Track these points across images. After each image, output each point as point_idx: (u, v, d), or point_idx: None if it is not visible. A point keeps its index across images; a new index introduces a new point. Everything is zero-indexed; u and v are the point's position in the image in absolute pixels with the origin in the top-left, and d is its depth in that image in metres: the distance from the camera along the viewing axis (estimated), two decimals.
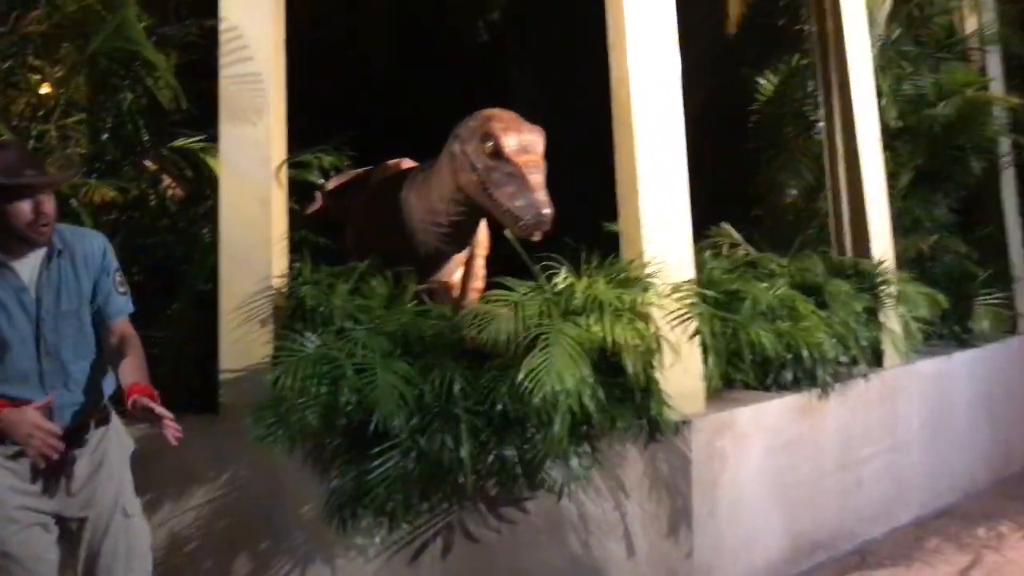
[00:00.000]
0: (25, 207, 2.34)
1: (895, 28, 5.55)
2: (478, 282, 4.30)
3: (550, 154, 3.51)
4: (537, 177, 3.35)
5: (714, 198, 4.31)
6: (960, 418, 4.92)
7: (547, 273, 3.36)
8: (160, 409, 2.33)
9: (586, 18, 3.82)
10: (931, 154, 5.45)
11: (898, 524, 4.41)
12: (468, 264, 4.32)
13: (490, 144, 3.40)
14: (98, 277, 2.54)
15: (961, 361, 4.95)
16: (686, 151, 3.61)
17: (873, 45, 5.03)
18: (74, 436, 2.47)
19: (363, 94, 6.32)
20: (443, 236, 3.86)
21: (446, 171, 3.65)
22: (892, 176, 5.16)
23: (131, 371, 2.45)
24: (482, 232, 4.17)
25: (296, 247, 3.54)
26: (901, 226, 5.25)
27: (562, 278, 3.35)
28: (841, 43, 4.66)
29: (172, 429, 2.32)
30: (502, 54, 6.68)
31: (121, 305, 2.58)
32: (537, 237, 3.30)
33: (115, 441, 2.61)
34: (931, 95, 5.47)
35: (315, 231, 3.94)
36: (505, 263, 3.61)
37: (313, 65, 4.42)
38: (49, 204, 2.38)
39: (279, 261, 3.35)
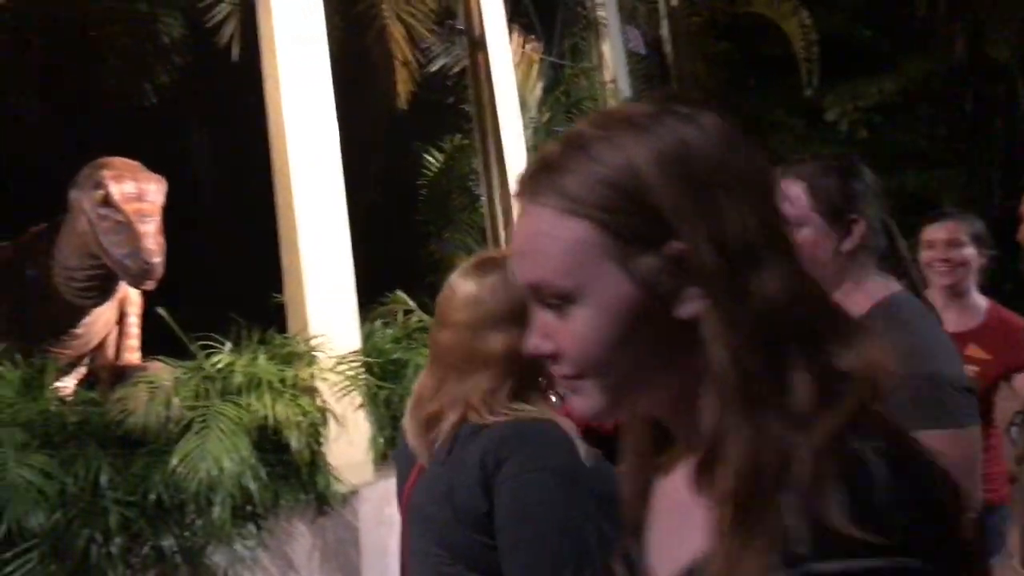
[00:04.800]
0: None
1: (546, 112, 6.16)
2: (132, 340, 4.08)
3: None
4: (146, 226, 3.26)
5: (390, 265, 4.45)
6: None
7: (207, 352, 3.29)
8: None
9: (258, 86, 3.83)
10: None
11: None
12: (120, 323, 4.09)
13: (100, 192, 3.30)
14: None
15: None
16: (362, 219, 3.73)
17: (527, 126, 5.54)
18: None
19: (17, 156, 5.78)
20: (80, 291, 3.66)
21: (70, 222, 3.52)
22: None
23: None
24: (133, 290, 4.00)
25: None
26: None
27: (223, 355, 3.29)
28: (496, 123, 5.08)
29: None
30: (175, 119, 6.46)
31: None
32: (149, 286, 3.29)
33: None
34: None
35: None
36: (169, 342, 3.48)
37: None
38: None
39: None
